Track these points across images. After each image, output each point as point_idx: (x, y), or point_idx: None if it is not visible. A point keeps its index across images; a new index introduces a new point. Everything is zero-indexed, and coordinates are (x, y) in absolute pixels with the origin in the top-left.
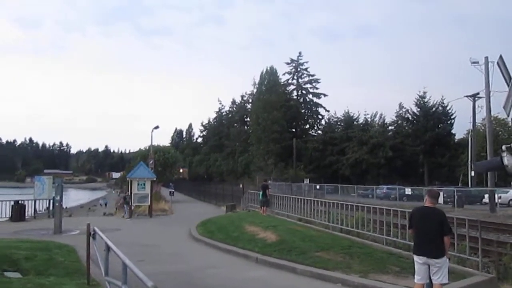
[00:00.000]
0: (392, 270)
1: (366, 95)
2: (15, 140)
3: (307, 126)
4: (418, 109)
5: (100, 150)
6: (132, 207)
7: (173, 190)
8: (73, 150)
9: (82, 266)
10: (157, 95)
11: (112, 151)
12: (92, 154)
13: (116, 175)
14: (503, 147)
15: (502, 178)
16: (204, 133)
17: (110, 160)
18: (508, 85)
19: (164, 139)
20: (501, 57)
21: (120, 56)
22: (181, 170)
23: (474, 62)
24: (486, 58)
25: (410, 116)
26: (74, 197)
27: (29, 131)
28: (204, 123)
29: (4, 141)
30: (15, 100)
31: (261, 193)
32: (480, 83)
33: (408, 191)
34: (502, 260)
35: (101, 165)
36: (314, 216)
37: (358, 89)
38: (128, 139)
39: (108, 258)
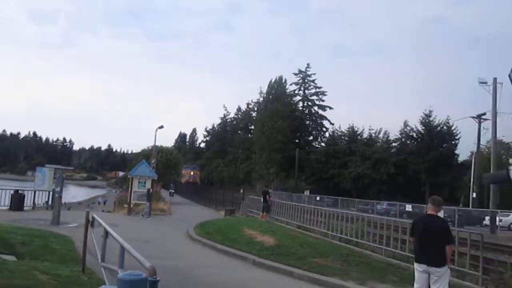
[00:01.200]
0: (390, 279)
1: (372, 111)
2: (19, 133)
3: (311, 137)
4: (423, 128)
5: (102, 148)
6: (131, 205)
7: (173, 191)
8: (76, 147)
9: (77, 255)
10: (163, 98)
11: (114, 150)
12: (94, 152)
13: (122, 174)
14: (510, 161)
15: (505, 202)
16: (208, 138)
17: (112, 159)
18: None
19: (167, 142)
20: None
21: (126, 57)
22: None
23: (482, 83)
24: (495, 79)
25: (414, 134)
26: (73, 193)
27: (33, 126)
28: (208, 129)
29: (8, 133)
30: (22, 94)
31: (262, 198)
32: (485, 106)
33: (408, 207)
34: (503, 278)
35: (102, 163)
36: (313, 224)
37: (364, 104)
38: (131, 140)
39: (106, 244)
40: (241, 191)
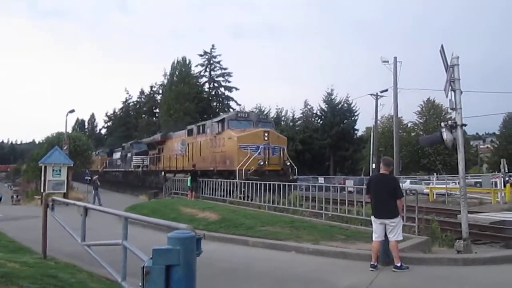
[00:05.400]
0: (339, 238)
1: (278, 91)
2: None
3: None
4: (326, 105)
5: None
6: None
7: (89, 178)
8: None
9: (22, 245)
10: (57, 83)
11: (0, 141)
12: None
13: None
14: (442, 124)
15: (404, 169)
16: (109, 123)
17: None
18: (447, 71)
19: (63, 129)
20: (442, 46)
21: (10, 36)
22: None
23: (384, 61)
24: (395, 58)
25: (318, 112)
26: None
27: None
28: (109, 113)
29: None
30: None
31: (189, 178)
32: (380, 85)
33: (321, 180)
34: (430, 228)
35: None
36: (245, 198)
37: (270, 85)
38: (20, 129)
39: (85, 222)
40: (163, 173)
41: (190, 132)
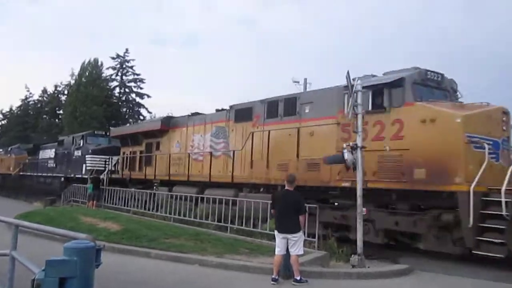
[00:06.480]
0: (243, 251)
1: (196, 103)
2: None
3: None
4: None
5: None
6: None
7: None
8: None
9: None
10: None
11: None
12: None
13: None
14: (344, 145)
15: None
16: (4, 122)
17: None
18: (350, 95)
19: None
20: (348, 72)
21: None
22: None
23: (295, 81)
24: (305, 79)
25: None
26: None
27: None
28: (4, 111)
29: None
30: None
31: (91, 185)
32: None
33: None
34: (328, 244)
35: None
36: (150, 209)
37: (188, 96)
38: None
39: None
40: (62, 179)
41: (240, 115)
